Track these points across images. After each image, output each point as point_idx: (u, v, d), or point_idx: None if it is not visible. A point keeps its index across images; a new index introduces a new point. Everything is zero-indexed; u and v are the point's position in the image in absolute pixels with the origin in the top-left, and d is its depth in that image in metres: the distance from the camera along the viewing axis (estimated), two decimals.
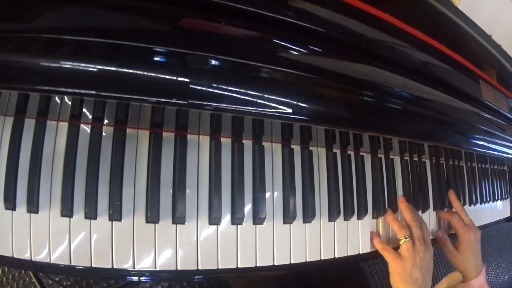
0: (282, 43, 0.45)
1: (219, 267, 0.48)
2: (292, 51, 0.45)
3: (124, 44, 0.35)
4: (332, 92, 0.48)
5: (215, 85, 0.39)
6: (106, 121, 0.45)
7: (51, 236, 0.41)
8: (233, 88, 0.40)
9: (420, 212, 0.72)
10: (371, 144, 0.66)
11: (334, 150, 0.60)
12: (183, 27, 0.39)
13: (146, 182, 0.45)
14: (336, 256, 0.58)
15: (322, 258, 0.57)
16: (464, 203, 0.87)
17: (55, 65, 0.32)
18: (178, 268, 0.46)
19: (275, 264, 0.52)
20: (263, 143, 0.53)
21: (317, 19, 0.48)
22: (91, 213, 0.42)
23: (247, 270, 0.50)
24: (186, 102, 0.38)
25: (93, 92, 0.35)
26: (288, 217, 0.54)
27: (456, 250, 0.73)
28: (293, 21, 0.45)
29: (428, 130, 0.58)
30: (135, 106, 0.46)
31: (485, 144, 0.70)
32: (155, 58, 0.36)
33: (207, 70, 0.38)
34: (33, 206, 0.40)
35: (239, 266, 0.49)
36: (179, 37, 0.39)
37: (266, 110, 0.42)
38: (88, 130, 0.44)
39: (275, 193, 0.54)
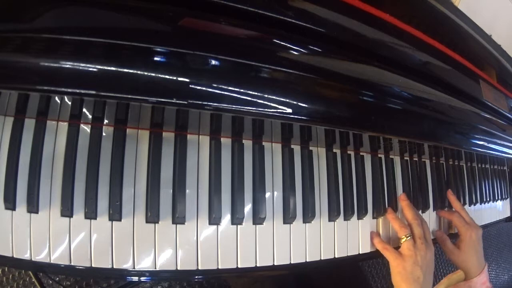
0: (282, 43, 0.45)
1: (219, 267, 0.48)
2: (292, 51, 0.45)
3: (124, 44, 0.35)
4: (332, 92, 0.48)
5: (215, 85, 0.39)
6: (106, 121, 0.45)
7: (51, 236, 0.41)
8: (233, 88, 0.40)
9: (420, 212, 0.71)
10: (371, 144, 0.66)
11: (334, 150, 0.60)
12: (183, 27, 0.39)
13: (146, 182, 0.45)
14: (336, 256, 0.58)
15: (322, 258, 0.57)
16: (464, 203, 0.87)
17: (55, 65, 0.32)
18: (178, 268, 0.46)
19: (275, 264, 0.52)
20: (263, 143, 0.53)
21: (317, 19, 0.48)
22: (91, 213, 0.42)
23: (247, 270, 0.50)
24: (186, 102, 0.38)
25: (93, 92, 0.35)
26: (288, 217, 0.54)
27: (457, 249, 0.72)
28: (293, 21, 0.45)
29: (428, 130, 0.58)
30: (135, 106, 0.46)
31: (485, 144, 0.70)
32: (155, 58, 0.36)
33: (207, 70, 0.38)
34: (33, 206, 0.40)
35: (239, 266, 0.49)
36: (179, 37, 0.39)
37: (266, 110, 0.42)
38: (88, 130, 0.44)
39: (275, 193, 0.54)
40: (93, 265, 0.42)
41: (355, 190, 0.62)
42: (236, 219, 0.50)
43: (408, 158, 0.72)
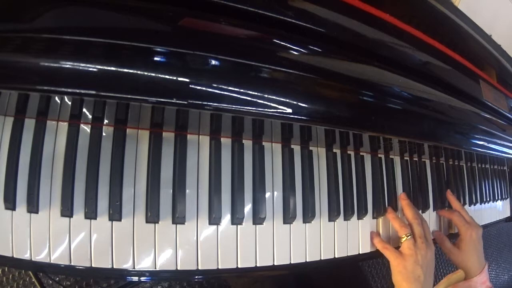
0: (282, 43, 0.45)
1: (219, 267, 0.48)
2: (292, 51, 0.45)
3: (124, 44, 0.35)
4: (332, 92, 0.48)
5: (215, 85, 0.39)
6: (106, 121, 0.45)
7: (51, 236, 0.41)
8: (233, 88, 0.40)
9: (420, 212, 0.71)
10: (371, 144, 0.66)
11: (334, 150, 0.60)
12: (183, 27, 0.39)
13: (146, 182, 0.45)
14: (336, 256, 0.58)
15: (322, 258, 0.57)
16: (464, 203, 0.87)
17: (55, 65, 0.32)
18: (178, 268, 0.46)
19: (275, 264, 0.52)
20: (263, 143, 0.53)
21: (317, 19, 0.48)
22: (91, 213, 0.42)
23: (247, 270, 0.50)
24: (186, 102, 0.38)
25: (93, 92, 0.35)
26: (288, 217, 0.54)
27: (456, 248, 0.72)
28: (293, 21, 0.45)
29: (428, 130, 0.58)
30: (135, 106, 0.46)
31: (485, 144, 0.70)
32: (155, 58, 0.36)
33: (207, 70, 0.38)
34: (33, 206, 0.40)
35: (239, 266, 0.49)
36: (179, 37, 0.39)
37: (266, 110, 0.42)
38: (88, 130, 0.44)
39: (275, 193, 0.54)
40: (93, 265, 0.42)
41: (355, 190, 0.62)
42: (236, 219, 0.50)
43: (408, 158, 0.72)
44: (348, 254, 0.60)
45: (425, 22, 0.63)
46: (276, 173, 0.54)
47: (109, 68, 0.34)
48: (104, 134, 0.44)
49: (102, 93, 0.35)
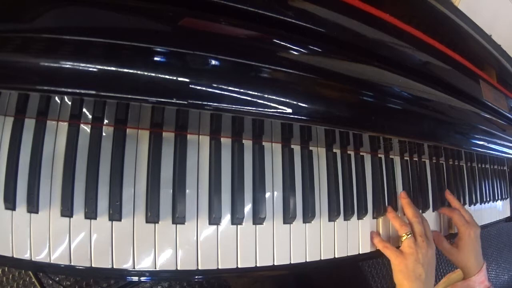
0: (282, 43, 0.45)
1: (219, 267, 0.48)
2: (292, 51, 0.45)
3: (124, 44, 0.35)
4: (332, 92, 0.48)
5: (215, 85, 0.39)
6: (106, 121, 0.45)
7: (51, 236, 0.41)
8: (233, 88, 0.40)
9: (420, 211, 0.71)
10: (371, 144, 0.66)
11: (334, 150, 0.60)
12: (183, 27, 0.39)
13: (146, 182, 0.45)
14: (336, 256, 0.58)
15: (322, 258, 0.57)
16: (464, 203, 0.87)
17: (55, 65, 0.32)
18: (178, 268, 0.46)
19: (275, 264, 0.52)
20: (263, 143, 0.53)
21: (317, 19, 0.48)
22: (91, 213, 0.42)
23: (247, 270, 0.50)
24: (186, 102, 0.38)
25: (93, 92, 0.35)
26: (288, 217, 0.54)
27: (454, 248, 0.72)
28: (293, 21, 0.45)
29: (428, 130, 0.58)
30: (135, 106, 0.46)
31: (485, 144, 0.70)
32: (155, 58, 0.36)
33: (207, 70, 0.38)
34: (33, 206, 0.40)
35: (239, 266, 0.49)
36: (179, 37, 0.39)
37: (266, 110, 0.42)
38: (88, 130, 0.44)
39: (275, 193, 0.54)
40: (93, 265, 0.42)
41: (355, 190, 0.62)
42: (236, 219, 0.50)
43: (408, 158, 0.72)
44: (348, 254, 0.60)
45: (425, 22, 0.63)
46: (276, 173, 0.54)
47: (109, 68, 0.34)
48: (104, 134, 0.44)
49: (102, 93, 0.35)
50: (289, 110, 0.43)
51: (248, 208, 0.51)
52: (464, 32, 0.73)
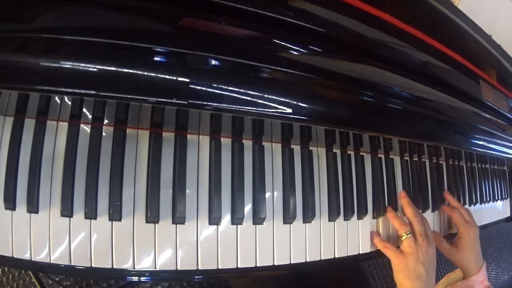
0: (282, 43, 0.45)
1: (219, 267, 0.48)
2: (292, 51, 0.45)
3: (124, 44, 0.35)
4: (332, 92, 0.48)
5: (215, 85, 0.39)
6: (106, 121, 0.45)
7: (51, 236, 0.41)
8: (233, 88, 0.40)
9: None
10: (371, 144, 0.66)
11: (334, 150, 0.60)
12: (183, 27, 0.39)
13: (146, 182, 0.45)
14: (336, 256, 0.58)
15: (322, 258, 0.57)
16: (464, 203, 0.87)
17: (55, 65, 0.32)
18: (178, 268, 0.46)
19: (275, 264, 0.52)
20: (263, 143, 0.53)
21: (317, 19, 0.48)
22: (91, 213, 0.42)
23: (247, 270, 0.50)
24: (186, 102, 0.38)
25: (93, 92, 0.35)
26: (288, 217, 0.54)
27: (454, 248, 0.72)
28: (293, 21, 0.45)
29: (428, 130, 0.58)
30: (135, 106, 0.46)
31: (485, 144, 0.70)
32: (155, 58, 0.36)
33: (207, 70, 0.38)
34: (33, 206, 0.40)
35: (239, 266, 0.49)
36: (179, 37, 0.39)
37: (266, 110, 0.42)
38: (88, 130, 0.44)
39: (275, 193, 0.54)
40: (93, 265, 0.42)
41: (355, 190, 0.62)
42: (236, 219, 0.50)
43: (408, 158, 0.72)
44: (348, 254, 0.60)
45: (425, 22, 0.63)
46: (276, 173, 0.54)
47: (109, 68, 0.34)
48: (104, 134, 0.44)
49: (102, 93, 0.35)
50: (289, 110, 0.43)
51: (248, 208, 0.51)
52: (464, 32, 0.73)
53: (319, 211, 0.57)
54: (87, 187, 0.42)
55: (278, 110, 0.42)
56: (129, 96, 0.36)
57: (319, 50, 0.48)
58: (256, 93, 0.41)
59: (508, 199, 1.08)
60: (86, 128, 0.44)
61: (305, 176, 0.56)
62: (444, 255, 0.74)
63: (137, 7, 0.37)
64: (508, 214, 1.08)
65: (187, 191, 0.47)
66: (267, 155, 0.54)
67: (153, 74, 0.35)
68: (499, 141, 0.73)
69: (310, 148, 0.58)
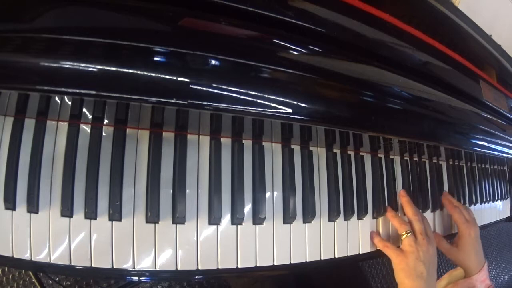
0: (282, 43, 0.45)
1: (219, 267, 0.48)
2: (292, 51, 0.45)
3: (124, 44, 0.35)
4: (332, 92, 0.48)
5: (215, 85, 0.39)
6: (106, 121, 0.45)
7: (51, 236, 0.41)
8: (233, 88, 0.40)
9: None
10: (371, 144, 0.66)
11: (334, 150, 0.60)
12: (183, 27, 0.39)
13: (146, 182, 0.45)
14: (336, 256, 0.58)
15: (322, 258, 0.57)
16: (464, 203, 0.86)
17: (55, 65, 0.32)
18: (178, 268, 0.46)
19: (275, 264, 0.52)
20: (263, 143, 0.53)
21: (317, 19, 0.48)
22: (91, 213, 0.42)
23: (247, 270, 0.50)
24: (186, 102, 0.38)
25: (93, 92, 0.35)
26: (288, 217, 0.54)
27: (454, 248, 0.72)
28: (293, 21, 0.45)
29: (428, 130, 0.58)
30: (135, 106, 0.46)
31: (485, 144, 0.70)
32: (155, 58, 0.36)
33: (207, 70, 0.38)
34: (33, 206, 0.40)
35: (239, 266, 0.49)
36: (179, 37, 0.39)
37: (266, 110, 0.42)
38: (88, 130, 0.44)
39: (275, 193, 0.54)
40: (93, 265, 0.42)
41: (355, 190, 0.62)
42: (236, 219, 0.50)
43: (408, 158, 0.72)
44: (348, 254, 0.60)
45: (425, 22, 0.63)
46: (276, 173, 0.54)
47: (109, 68, 0.34)
48: (104, 134, 0.44)
49: (102, 93, 0.35)
50: (289, 110, 0.43)
51: (248, 208, 0.51)
52: (464, 32, 0.73)
53: (319, 211, 0.57)
54: (87, 187, 0.42)
55: (278, 110, 0.42)
56: (129, 96, 0.36)
57: (319, 50, 0.48)
58: (256, 93, 0.41)
59: (508, 199, 1.08)
60: (86, 128, 0.44)
61: (305, 176, 0.56)
62: (445, 255, 0.74)
63: (137, 7, 0.37)
64: (508, 214, 1.08)
65: (187, 191, 0.47)
66: (267, 155, 0.54)
67: (153, 74, 0.35)
68: (499, 141, 0.73)
69: (310, 148, 0.58)
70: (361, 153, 0.64)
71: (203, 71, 0.38)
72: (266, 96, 0.42)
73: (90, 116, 0.44)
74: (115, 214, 0.43)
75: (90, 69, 0.33)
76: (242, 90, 0.40)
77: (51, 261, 0.41)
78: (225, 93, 0.39)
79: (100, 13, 0.36)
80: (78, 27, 0.34)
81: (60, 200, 0.42)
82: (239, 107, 0.40)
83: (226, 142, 0.51)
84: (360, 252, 0.62)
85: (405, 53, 0.58)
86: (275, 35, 0.44)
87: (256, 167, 0.52)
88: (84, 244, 0.42)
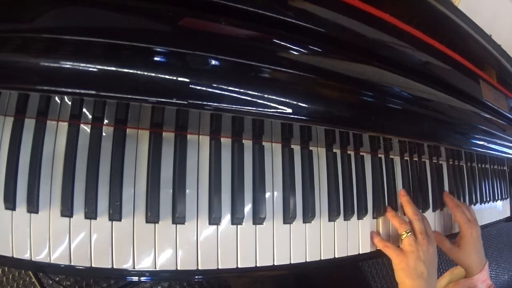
0: (282, 43, 0.45)
1: (219, 267, 0.48)
2: (292, 51, 0.45)
3: (124, 44, 0.35)
4: (332, 92, 0.48)
5: (215, 85, 0.39)
6: (106, 121, 0.45)
7: (51, 236, 0.41)
8: (233, 88, 0.40)
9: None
10: (371, 144, 0.66)
11: (334, 150, 0.60)
12: (183, 27, 0.39)
13: (146, 182, 0.45)
14: (336, 256, 0.58)
15: (322, 258, 0.57)
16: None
17: (55, 65, 0.32)
18: (178, 268, 0.46)
19: (275, 264, 0.52)
20: (263, 143, 0.53)
21: (317, 19, 0.48)
22: (91, 213, 0.42)
23: (247, 270, 0.50)
24: (186, 102, 0.38)
25: (93, 92, 0.35)
26: (288, 217, 0.54)
27: (456, 247, 0.72)
28: (293, 21, 0.45)
29: (428, 130, 0.58)
30: (135, 106, 0.46)
31: (485, 144, 0.70)
32: (155, 58, 0.36)
33: (207, 70, 0.38)
34: (33, 206, 0.40)
35: (239, 266, 0.49)
36: (179, 37, 0.39)
37: (266, 110, 0.42)
38: (88, 130, 0.44)
39: (275, 193, 0.54)
40: (93, 265, 0.42)
41: (355, 190, 0.62)
42: (236, 219, 0.50)
43: (408, 158, 0.72)
44: (348, 254, 0.60)
45: (425, 22, 0.63)
46: (276, 173, 0.54)
47: (109, 68, 0.34)
48: (104, 134, 0.44)
49: (102, 93, 0.35)
50: (289, 110, 0.43)
51: (248, 208, 0.51)
52: (464, 32, 0.73)
53: (319, 211, 0.57)
54: (87, 187, 0.42)
55: (278, 110, 0.42)
56: (129, 96, 0.36)
57: (319, 50, 0.48)
58: (256, 93, 0.41)
59: (508, 199, 1.08)
60: (86, 128, 0.44)
61: (305, 176, 0.56)
62: (447, 254, 0.74)
63: (137, 7, 0.37)
64: (508, 214, 1.08)
65: (187, 191, 0.47)
66: (267, 155, 0.54)
67: (153, 74, 0.35)
68: (499, 141, 0.73)
69: (310, 148, 0.58)
70: (361, 153, 0.64)
71: (203, 71, 0.38)
72: (266, 96, 0.42)
73: (90, 116, 0.44)
74: (115, 214, 0.43)
75: (90, 69, 0.33)
76: (242, 90, 0.40)
77: (51, 261, 0.41)
78: (225, 93, 0.39)
79: (100, 13, 0.36)
80: (78, 27, 0.34)
81: (60, 200, 0.42)
82: (239, 107, 0.40)
83: (226, 142, 0.51)
84: (360, 252, 0.62)
85: (405, 53, 0.58)
86: (275, 35, 0.44)
87: (256, 167, 0.52)
88: (84, 244, 0.42)
